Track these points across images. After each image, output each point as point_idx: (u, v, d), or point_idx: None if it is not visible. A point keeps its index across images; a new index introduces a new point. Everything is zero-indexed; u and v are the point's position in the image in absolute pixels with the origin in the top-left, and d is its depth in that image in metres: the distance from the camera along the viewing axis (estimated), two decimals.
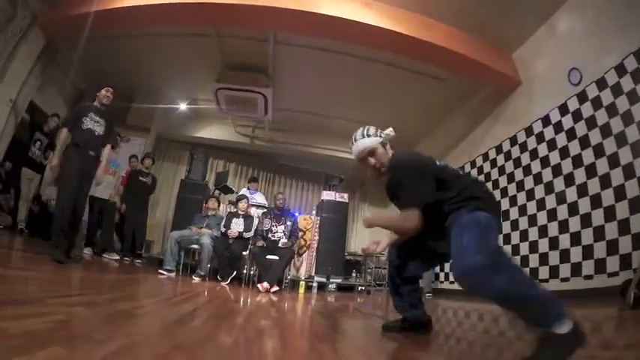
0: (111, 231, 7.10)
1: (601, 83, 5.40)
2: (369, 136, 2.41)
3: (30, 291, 2.16)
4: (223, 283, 5.99)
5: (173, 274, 5.95)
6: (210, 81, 8.22)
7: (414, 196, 2.15)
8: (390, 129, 2.53)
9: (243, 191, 8.73)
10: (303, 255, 7.84)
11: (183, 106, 9.92)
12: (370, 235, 12.75)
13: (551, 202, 6.07)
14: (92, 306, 2.04)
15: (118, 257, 6.61)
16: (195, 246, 6.43)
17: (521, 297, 1.66)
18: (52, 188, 7.41)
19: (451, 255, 1.95)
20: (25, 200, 7.14)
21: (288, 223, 6.53)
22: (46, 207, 7.07)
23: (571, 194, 5.70)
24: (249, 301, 4.19)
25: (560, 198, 5.88)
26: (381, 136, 2.44)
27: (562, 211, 5.83)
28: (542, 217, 6.22)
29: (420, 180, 2.18)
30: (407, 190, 2.21)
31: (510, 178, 7.08)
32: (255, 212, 7.46)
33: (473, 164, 8.35)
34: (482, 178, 7.93)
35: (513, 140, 7.12)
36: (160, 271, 5.88)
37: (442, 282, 8.76)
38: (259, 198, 8.52)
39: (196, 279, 5.87)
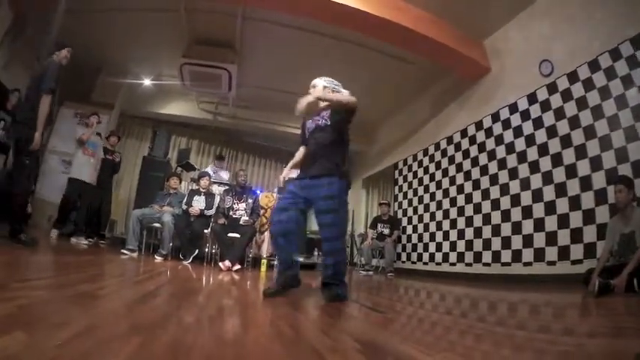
0: (84, 214, 6.72)
1: (572, 77, 5.53)
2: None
3: None
4: (185, 262, 6.00)
5: (135, 254, 5.90)
6: (177, 56, 8.04)
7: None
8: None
9: (209, 168, 8.68)
10: (265, 233, 7.87)
11: (147, 82, 9.73)
12: None
13: (515, 187, 6.24)
14: (54, 289, 2.04)
15: (86, 242, 6.27)
16: (157, 224, 6.38)
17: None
18: None
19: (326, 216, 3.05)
20: None
21: (250, 200, 6.54)
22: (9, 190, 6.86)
23: (535, 181, 5.87)
24: (210, 279, 4.22)
25: (525, 184, 6.04)
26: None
27: (526, 197, 6.00)
28: (505, 202, 6.39)
29: None
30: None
31: (474, 162, 7.23)
32: (216, 190, 7.43)
33: (437, 146, 8.50)
34: (445, 160, 8.10)
35: (479, 125, 7.26)
36: (123, 251, 5.82)
37: (404, 262, 8.97)
38: (225, 175, 8.47)
39: (159, 258, 5.86)
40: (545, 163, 5.77)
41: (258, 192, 7.80)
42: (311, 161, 3.21)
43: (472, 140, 7.43)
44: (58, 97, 4.47)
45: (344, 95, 3.16)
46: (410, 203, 9.39)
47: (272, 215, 3.28)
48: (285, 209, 3.13)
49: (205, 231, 6.47)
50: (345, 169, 3.17)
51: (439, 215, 8.18)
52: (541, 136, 5.91)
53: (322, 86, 3.34)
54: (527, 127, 6.18)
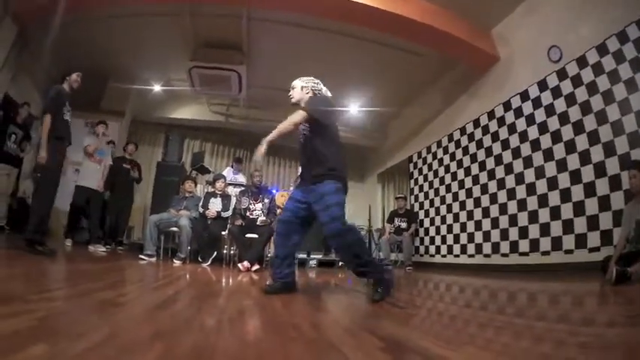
0: (98, 222, 6.74)
1: (581, 61, 5.48)
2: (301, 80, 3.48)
3: (12, 288, 2.17)
4: (204, 265, 6.03)
5: (154, 259, 5.95)
6: (184, 60, 8.10)
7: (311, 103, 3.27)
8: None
9: (227, 171, 8.70)
10: None
11: (157, 88, 9.79)
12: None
13: (530, 176, 6.19)
14: (74, 298, 2.05)
15: (104, 249, 6.32)
16: (174, 228, 6.42)
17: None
18: (30, 182, 7.26)
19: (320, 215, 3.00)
20: (4, 196, 6.97)
21: (266, 200, 6.57)
22: (24, 202, 6.93)
23: (550, 169, 5.81)
24: (230, 281, 4.24)
25: (539, 172, 5.99)
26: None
27: (541, 186, 5.95)
28: (520, 191, 6.34)
29: (321, 104, 3.32)
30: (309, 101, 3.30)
31: (488, 151, 7.18)
32: (232, 191, 7.46)
33: (450, 138, 8.45)
34: (460, 151, 8.05)
35: (491, 114, 7.21)
36: (141, 256, 5.87)
37: (422, 255, 8.94)
38: (242, 179, 8.49)
39: (177, 262, 5.89)
40: (559, 150, 5.71)
41: (274, 192, 7.80)
42: (306, 170, 3.28)
43: (485, 130, 7.37)
44: (70, 116, 4.75)
45: (284, 122, 3.38)
46: (426, 196, 9.35)
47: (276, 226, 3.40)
48: (287, 222, 3.28)
49: (223, 233, 6.51)
50: (339, 173, 3.12)
51: (456, 207, 8.14)
52: (553, 123, 5.86)
53: (300, 87, 3.49)
54: (540, 115, 6.12)
